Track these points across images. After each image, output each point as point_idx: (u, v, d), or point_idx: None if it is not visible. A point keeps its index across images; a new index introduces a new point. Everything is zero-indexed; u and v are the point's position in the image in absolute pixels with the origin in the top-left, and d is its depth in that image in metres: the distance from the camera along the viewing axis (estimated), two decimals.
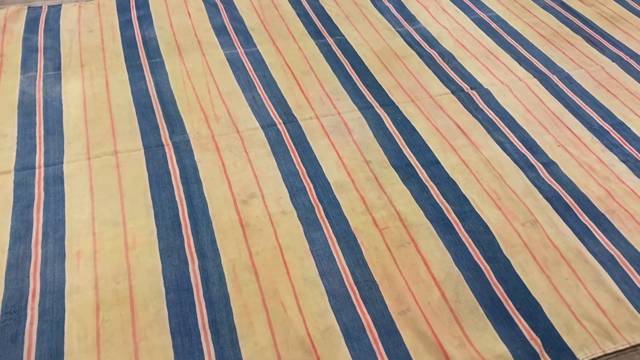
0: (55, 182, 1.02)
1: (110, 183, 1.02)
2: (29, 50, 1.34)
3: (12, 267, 0.88)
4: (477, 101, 1.24)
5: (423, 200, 1.02)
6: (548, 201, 1.02)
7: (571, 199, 1.03)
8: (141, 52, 1.34)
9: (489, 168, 1.08)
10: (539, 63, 1.35)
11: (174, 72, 1.29)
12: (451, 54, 1.38)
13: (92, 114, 1.17)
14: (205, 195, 1.01)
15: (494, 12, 1.54)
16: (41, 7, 1.48)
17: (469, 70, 1.32)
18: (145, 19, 1.46)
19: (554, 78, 1.31)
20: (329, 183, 1.04)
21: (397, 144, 1.13)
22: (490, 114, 1.20)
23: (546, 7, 1.57)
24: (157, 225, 0.95)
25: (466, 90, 1.26)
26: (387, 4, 1.56)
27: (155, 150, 1.09)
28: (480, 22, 1.49)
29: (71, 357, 0.78)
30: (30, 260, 0.89)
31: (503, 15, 1.53)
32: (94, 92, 1.22)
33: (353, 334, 0.82)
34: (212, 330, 0.81)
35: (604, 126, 1.19)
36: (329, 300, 0.86)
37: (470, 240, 0.95)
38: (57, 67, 1.29)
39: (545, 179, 1.06)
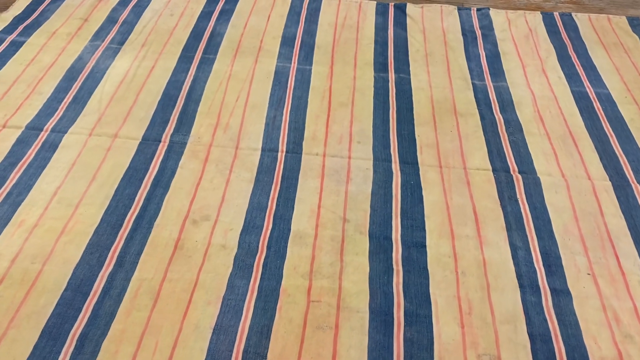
0: (49, 149, 1.06)
1: (91, 164, 1.03)
2: (109, 20, 1.41)
3: None
4: (517, 188, 1.02)
5: (378, 284, 0.86)
6: (530, 339, 0.80)
7: (562, 348, 0.79)
8: (202, 45, 1.34)
9: (480, 273, 0.88)
10: (627, 164, 1.08)
11: (218, 72, 1.26)
12: (520, 125, 1.15)
13: (120, 94, 1.19)
14: (164, 203, 0.97)
15: (607, 89, 1.26)
16: None
17: (530, 150, 1.10)
18: (226, 14, 1.46)
19: (637, 188, 1.03)
20: (289, 230, 0.93)
21: (390, 210, 0.97)
22: (524, 208, 0.98)
23: None
24: (102, 218, 0.94)
25: (511, 172, 1.05)
26: (482, 51, 1.36)
27: (150, 144, 1.08)
28: (580, 97, 1.23)
29: None
30: None
31: (616, 96, 1.24)
32: (136, 73, 1.24)
33: None
34: (78, 343, 0.77)
35: None
36: None
37: (402, 350, 0.78)
38: (122, 42, 1.34)
39: (544, 310, 0.83)
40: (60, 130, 1.09)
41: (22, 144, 1.06)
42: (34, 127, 1.10)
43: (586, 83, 1.27)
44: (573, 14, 1.50)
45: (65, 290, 0.83)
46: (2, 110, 1.13)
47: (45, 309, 0.81)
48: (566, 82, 1.27)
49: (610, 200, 1.01)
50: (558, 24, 1.46)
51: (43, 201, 0.96)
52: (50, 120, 1.11)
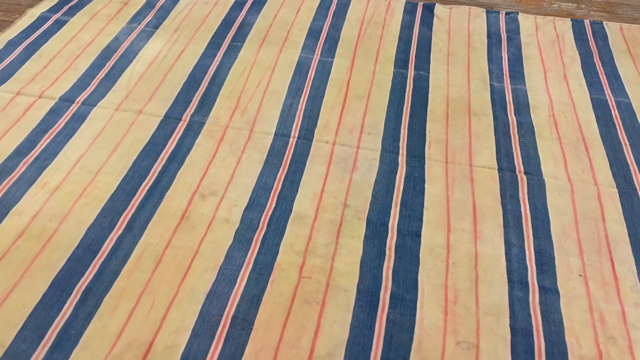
0: (78, 120, 1.13)
1: (115, 136, 1.10)
2: (148, 5, 1.49)
3: None
4: (520, 188, 1.03)
5: (369, 267, 0.89)
6: (511, 331, 0.82)
7: (542, 343, 0.80)
8: (231, 33, 1.40)
9: (470, 265, 0.90)
10: (638, 173, 1.07)
11: (243, 60, 1.31)
12: (533, 128, 1.16)
13: (149, 74, 1.26)
14: (176, 177, 1.02)
15: (628, 99, 1.25)
16: None
17: (539, 152, 1.10)
18: (258, 4, 1.51)
19: None
20: (291, 210, 0.97)
21: (391, 199, 1.00)
22: (525, 208, 0.99)
23: None
24: (118, 186, 1.00)
25: (517, 172, 1.06)
26: (505, 54, 1.37)
27: (171, 122, 1.14)
28: (599, 105, 1.23)
29: None
30: (9, 175, 1.01)
31: (637, 106, 1.23)
32: (166, 56, 1.31)
33: None
34: (82, 296, 0.83)
35: None
36: (196, 322, 0.81)
37: (383, 330, 0.81)
38: (156, 26, 1.41)
39: (530, 306, 0.85)
40: (90, 103, 1.17)
41: (54, 113, 1.14)
42: (66, 99, 1.17)
43: (607, 91, 1.27)
44: (604, 23, 1.48)
45: (77, 248, 0.90)
46: (40, 82, 1.22)
47: (56, 263, 0.88)
48: (586, 89, 1.27)
49: (614, 207, 1.01)
50: (587, 32, 1.45)
51: (67, 166, 1.03)
52: (82, 94, 1.19)
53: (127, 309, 0.82)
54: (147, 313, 0.82)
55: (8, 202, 0.96)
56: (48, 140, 1.08)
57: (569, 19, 1.50)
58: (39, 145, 1.07)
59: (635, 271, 0.90)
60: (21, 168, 1.02)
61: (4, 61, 1.27)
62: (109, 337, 0.79)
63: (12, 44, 1.32)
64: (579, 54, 1.38)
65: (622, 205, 1.01)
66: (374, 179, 1.04)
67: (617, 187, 1.04)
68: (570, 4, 1.58)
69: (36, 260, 0.88)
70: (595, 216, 0.99)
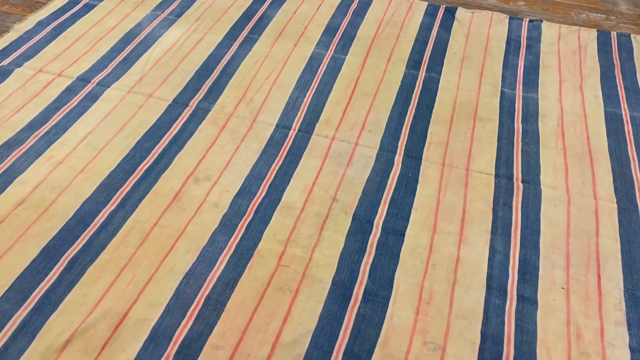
0: (91, 99, 1.18)
1: (123, 116, 1.14)
2: None
3: (5, 145, 1.06)
4: (515, 196, 1.01)
5: (347, 261, 0.90)
6: (482, 337, 0.81)
7: (512, 351, 0.79)
8: (249, 26, 1.43)
9: (450, 268, 0.89)
10: None
11: (257, 52, 1.34)
12: (538, 137, 1.14)
13: (165, 59, 1.30)
14: (175, 160, 1.05)
15: None
16: None
17: (540, 162, 1.08)
18: None
19: None
20: (279, 200, 0.99)
21: (380, 197, 1.00)
22: (516, 216, 0.98)
23: None
24: (118, 164, 1.04)
25: (514, 180, 1.04)
26: (521, 61, 1.35)
27: (178, 107, 1.17)
28: (612, 118, 1.19)
29: None
30: (20, 146, 1.06)
31: None
32: (183, 43, 1.35)
33: (159, 338, 0.79)
34: (68, 265, 0.87)
35: None
36: (171, 298, 0.84)
37: (351, 323, 0.82)
38: (179, 14, 1.45)
39: (505, 315, 0.84)
40: (105, 84, 1.21)
41: (69, 92, 1.19)
42: (83, 79, 1.22)
43: (623, 105, 1.23)
44: (632, 36, 1.44)
45: (71, 219, 0.94)
46: (62, 61, 1.27)
47: (49, 232, 0.92)
48: (602, 102, 1.23)
49: (611, 223, 0.98)
50: (612, 44, 1.41)
51: (73, 142, 1.08)
52: (99, 75, 1.24)
53: (108, 280, 0.86)
54: (126, 286, 0.85)
55: (14, 171, 1.01)
56: (60, 117, 1.13)
57: (595, 29, 1.46)
58: (50, 121, 1.12)
59: (622, 289, 0.88)
60: (31, 141, 1.07)
61: (32, 40, 1.33)
62: (86, 305, 0.82)
63: (41, 24, 1.38)
64: (600, 65, 1.34)
65: (619, 221, 0.98)
66: (367, 176, 1.04)
67: (617, 203, 1.01)
68: (599, 15, 1.53)
69: (31, 227, 0.92)
70: (589, 230, 0.96)
